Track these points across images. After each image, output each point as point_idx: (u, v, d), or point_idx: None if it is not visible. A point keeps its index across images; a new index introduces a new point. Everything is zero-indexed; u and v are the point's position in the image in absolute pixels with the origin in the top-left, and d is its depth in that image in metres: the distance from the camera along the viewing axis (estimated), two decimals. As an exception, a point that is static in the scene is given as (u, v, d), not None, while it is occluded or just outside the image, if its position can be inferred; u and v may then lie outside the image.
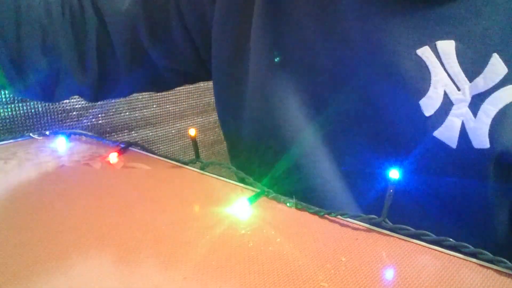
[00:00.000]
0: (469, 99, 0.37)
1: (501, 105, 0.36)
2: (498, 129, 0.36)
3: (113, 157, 0.52)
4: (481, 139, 0.36)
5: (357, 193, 0.45)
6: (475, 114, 0.37)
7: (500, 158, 0.36)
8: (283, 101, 0.47)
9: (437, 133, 0.38)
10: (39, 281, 0.28)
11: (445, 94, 0.37)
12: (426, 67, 0.38)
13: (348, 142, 0.44)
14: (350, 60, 0.42)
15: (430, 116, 0.38)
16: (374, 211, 0.36)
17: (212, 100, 1.01)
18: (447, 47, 0.37)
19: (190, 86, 1.01)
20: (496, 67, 0.35)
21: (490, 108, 0.36)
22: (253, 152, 0.51)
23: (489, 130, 0.36)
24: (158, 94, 0.92)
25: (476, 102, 0.36)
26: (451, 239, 0.32)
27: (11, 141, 0.63)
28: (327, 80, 0.44)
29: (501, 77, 0.35)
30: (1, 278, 0.29)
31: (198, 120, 0.99)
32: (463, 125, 0.37)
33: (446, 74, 0.37)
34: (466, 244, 0.31)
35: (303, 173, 0.46)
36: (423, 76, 0.38)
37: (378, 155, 0.43)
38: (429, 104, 0.38)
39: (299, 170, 0.46)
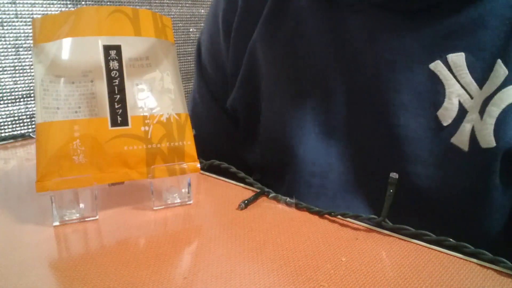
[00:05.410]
0: (480, 105, 0.38)
1: (503, 105, 0.37)
2: (502, 128, 0.37)
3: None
4: (487, 139, 0.37)
5: (370, 205, 0.45)
6: (482, 116, 0.38)
7: (505, 155, 0.37)
8: (296, 120, 0.47)
9: (453, 139, 0.39)
10: (38, 280, 0.28)
11: (460, 103, 0.39)
12: (440, 80, 0.39)
13: (361, 159, 0.45)
14: (363, 80, 0.43)
15: (447, 125, 0.39)
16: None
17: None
18: (458, 59, 0.38)
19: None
20: (498, 71, 0.37)
21: (494, 109, 0.37)
22: (268, 171, 0.52)
23: (494, 129, 0.37)
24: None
25: (483, 106, 0.38)
26: (451, 239, 0.32)
27: (11, 141, 0.63)
28: (340, 99, 0.45)
29: (502, 79, 0.37)
30: None
31: (198, 120, 0.99)
32: (472, 128, 0.38)
33: (459, 85, 0.39)
34: (466, 244, 0.31)
35: (314, 191, 0.46)
36: (437, 89, 0.39)
37: (391, 170, 0.43)
38: (446, 115, 0.39)
39: (310, 187, 0.46)
